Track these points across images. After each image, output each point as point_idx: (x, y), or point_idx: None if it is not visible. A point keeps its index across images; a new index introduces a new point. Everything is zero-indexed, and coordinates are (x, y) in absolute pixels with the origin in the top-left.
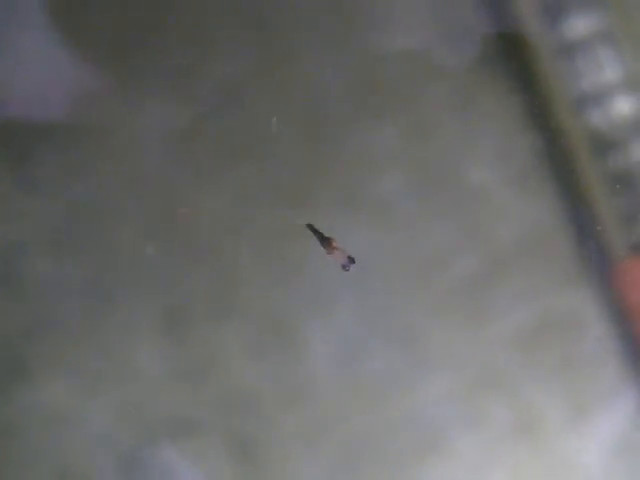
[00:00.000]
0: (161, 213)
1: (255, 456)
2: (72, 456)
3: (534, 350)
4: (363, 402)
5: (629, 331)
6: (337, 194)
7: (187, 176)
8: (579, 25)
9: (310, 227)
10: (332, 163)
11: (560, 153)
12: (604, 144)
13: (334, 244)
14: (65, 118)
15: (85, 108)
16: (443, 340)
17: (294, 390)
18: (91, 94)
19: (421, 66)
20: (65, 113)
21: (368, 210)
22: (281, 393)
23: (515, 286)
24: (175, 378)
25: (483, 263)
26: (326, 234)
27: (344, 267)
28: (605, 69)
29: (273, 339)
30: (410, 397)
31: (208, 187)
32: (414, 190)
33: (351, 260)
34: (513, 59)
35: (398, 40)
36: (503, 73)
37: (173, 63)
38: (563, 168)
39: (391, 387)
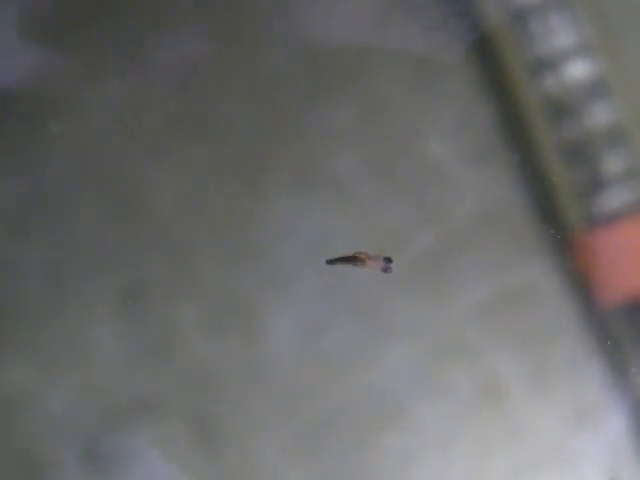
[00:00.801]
0: (116, 194)
1: (218, 437)
2: (32, 440)
3: (496, 321)
4: (326, 378)
5: (588, 300)
6: (293, 175)
7: (141, 157)
8: None
9: (331, 262)
10: (286, 144)
11: (517, 124)
12: (560, 111)
13: (363, 256)
14: (15, 96)
15: (36, 85)
16: (405, 314)
17: (255, 369)
18: (42, 71)
19: (374, 45)
20: (14, 91)
21: (325, 189)
22: (242, 373)
23: (476, 259)
24: (135, 360)
25: (443, 238)
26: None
27: (386, 270)
28: (559, 34)
29: (232, 318)
30: (373, 371)
31: (163, 168)
32: (371, 168)
33: (388, 260)
34: (467, 31)
35: (351, 19)
36: (457, 46)
37: (127, 41)
38: (521, 140)
39: (354, 362)
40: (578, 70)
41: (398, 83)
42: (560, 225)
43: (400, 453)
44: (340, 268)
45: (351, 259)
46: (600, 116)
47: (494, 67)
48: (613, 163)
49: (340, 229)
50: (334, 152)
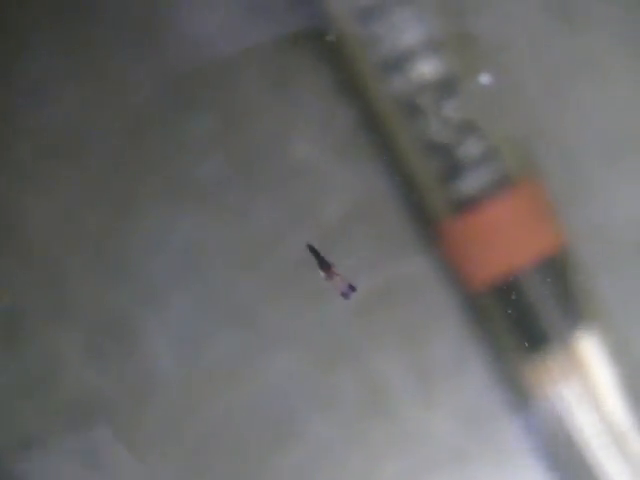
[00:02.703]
0: None
1: (108, 462)
2: None
3: (377, 321)
4: (210, 391)
5: (464, 287)
6: (161, 186)
7: (9, 180)
8: None
9: (311, 248)
10: (152, 156)
11: (376, 121)
12: (412, 108)
13: (334, 269)
14: None
15: None
16: (284, 319)
17: (139, 387)
18: None
19: (231, 49)
20: None
21: (194, 197)
22: (127, 391)
23: (350, 258)
24: (17, 391)
25: (316, 238)
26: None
27: (344, 295)
28: (405, 32)
29: (112, 338)
30: (257, 381)
31: (31, 189)
32: (238, 174)
33: (352, 288)
34: (321, 32)
35: (205, 26)
36: (314, 47)
37: None
38: (381, 135)
39: (237, 373)
40: (428, 66)
41: (259, 89)
42: (427, 215)
43: (291, 464)
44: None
45: (325, 264)
46: (452, 107)
47: (349, 67)
48: (469, 150)
49: (212, 238)
50: (200, 161)
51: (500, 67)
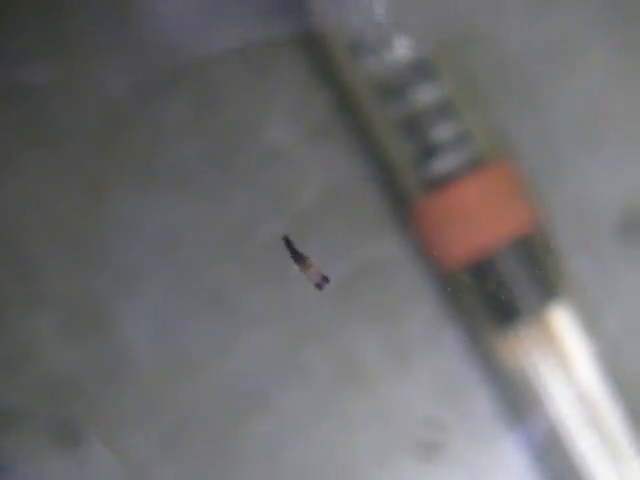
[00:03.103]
0: None
1: (82, 441)
2: None
3: (350, 300)
4: (185, 372)
5: (438, 270)
6: (136, 171)
7: None
8: None
9: (286, 240)
10: (126, 142)
11: (351, 104)
12: (386, 90)
13: (308, 262)
14: None
15: None
16: (259, 300)
17: (114, 369)
18: None
19: (207, 37)
20: None
21: (169, 183)
22: (101, 374)
23: (325, 241)
24: None
25: (290, 222)
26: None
27: (318, 286)
28: (377, 14)
29: (86, 322)
30: (231, 361)
31: (6, 173)
32: (212, 158)
33: (325, 279)
34: (295, 17)
35: (182, 16)
36: (288, 32)
37: None
38: (355, 119)
39: (211, 353)
40: (401, 49)
41: (232, 73)
42: (402, 196)
43: (265, 440)
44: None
45: (299, 257)
46: (425, 90)
47: (323, 51)
48: (443, 131)
49: (186, 223)
50: (175, 147)
51: (474, 50)
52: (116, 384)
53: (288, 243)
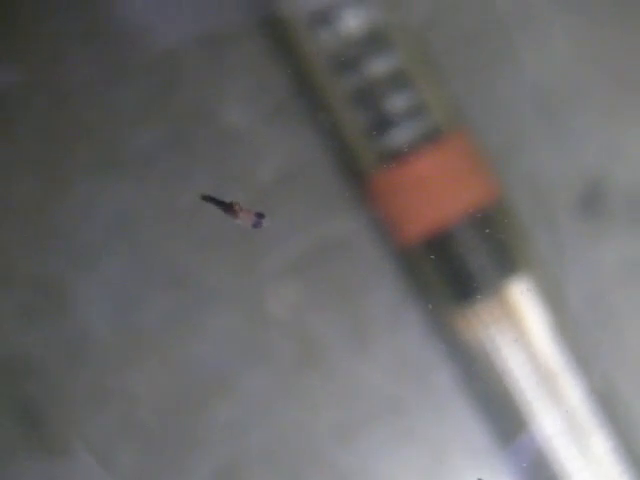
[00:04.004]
0: None
1: (43, 423)
2: None
3: (311, 280)
4: (145, 352)
5: (398, 246)
6: (92, 154)
7: None
8: None
9: (206, 198)
10: (85, 126)
11: (308, 81)
12: (340, 62)
13: (236, 207)
14: None
15: None
16: (218, 280)
17: (73, 350)
18: None
19: (161, 19)
20: None
21: (126, 164)
22: (60, 355)
23: (285, 220)
24: None
25: (250, 201)
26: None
27: (256, 226)
28: None
29: (45, 303)
30: (191, 341)
31: None
32: (170, 139)
33: (260, 215)
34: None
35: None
36: (244, 12)
37: None
38: (312, 95)
39: (171, 333)
40: (354, 20)
41: (191, 55)
42: (359, 171)
43: (227, 424)
44: None
45: (226, 206)
46: (379, 62)
47: (277, 28)
48: (398, 103)
49: (145, 203)
50: (132, 128)
51: (431, 21)
52: (75, 366)
53: (210, 199)
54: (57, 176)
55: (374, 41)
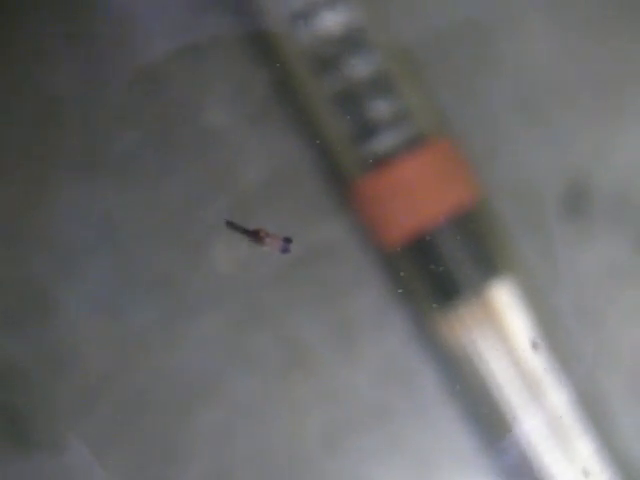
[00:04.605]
0: None
1: (30, 429)
2: None
3: (297, 283)
4: (131, 358)
5: (383, 248)
6: (77, 156)
7: None
8: None
9: (230, 225)
10: (68, 128)
11: (291, 85)
12: (324, 67)
13: (262, 234)
14: None
15: None
16: (203, 284)
17: (58, 356)
18: None
19: (145, 22)
20: None
21: (109, 167)
22: (46, 361)
23: (269, 224)
24: None
25: (234, 205)
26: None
27: (285, 251)
28: None
29: (30, 308)
30: (179, 347)
31: None
32: (154, 141)
33: (287, 240)
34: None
35: None
36: (227, 14)
37: None
38: (296, 99)
39: (157, 338)
40: (335, 22)
41: (174, 57)
42: (343, 176)
43: (215, 428)
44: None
45: (252, 234)
46: (361, 66)
47: (259, 30)
48: (382, 108)
49: (129, 206)
50: (113, 131)
51: (414, 22)
52: (60, 371)
53: (234, 226)
54: (39, 179)
55: (356, 44)
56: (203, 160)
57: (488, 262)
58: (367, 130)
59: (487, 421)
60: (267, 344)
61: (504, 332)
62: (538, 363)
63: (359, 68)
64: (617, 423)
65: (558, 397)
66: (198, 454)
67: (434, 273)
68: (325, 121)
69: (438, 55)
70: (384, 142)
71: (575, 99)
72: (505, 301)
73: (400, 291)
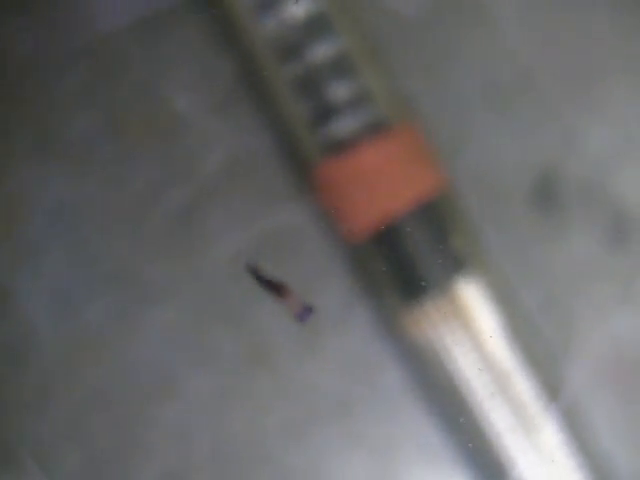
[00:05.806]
0: None
1: None
2: None
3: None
4: (89, 352)
5: (346, 240)
6: (30, 143)
7: None
8: None
9: (252, 272)
10: (21, 111)
11: (253, 71)
12: (284, 50)
13: (286, 291)
14: None
15: None
16: (162, 276)
17: (15, 351)
18: None
19: (104, 4)
20: None
21: (68, 155)
22: (2, 355)
23: (229, 211)
24: None
25: (194, 193)
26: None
27: (299, 318)
28: None
29: None
30: (135, 340)
31: None
32: (112, 128)
33: (309, 309)
34: None
35: None
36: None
37: None
38: (257, 85)
39: (114, 332)
40: (298, 6)
41: (131, 42)
42: (304, 163)
43: (173, 425)
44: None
45: (276, 287)
46: (323, 50)
47: (221, 15)
48: (343, 93)
49: (86, 195)
50: (73, 117)
51: (381, 11)
52: (16, 364)
53: (257, 275)
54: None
55: (319, 28)
56: (164, 147)
57: (455, 255)
58: (329, 114)
59: (453, 416)
60: (226, 338)
61: (471, 327)
62: (506, 358)
63: (322, 53)
64: (586, 416)
65: (526, 391)
66: (157, 453)
67: (398, 266)
68: (287, 106)
69: (403, 40)
70: (346, 127)
71: (544, 88)
72: (472, 295)
73: (364, 284)
